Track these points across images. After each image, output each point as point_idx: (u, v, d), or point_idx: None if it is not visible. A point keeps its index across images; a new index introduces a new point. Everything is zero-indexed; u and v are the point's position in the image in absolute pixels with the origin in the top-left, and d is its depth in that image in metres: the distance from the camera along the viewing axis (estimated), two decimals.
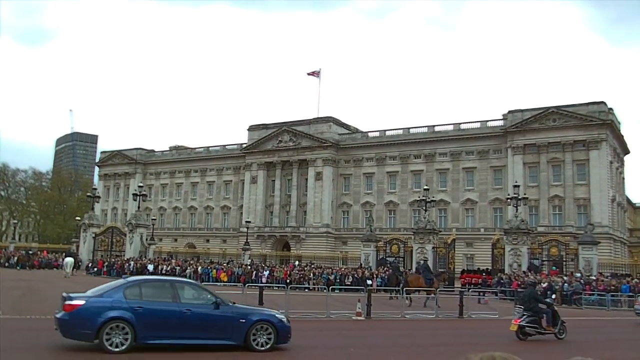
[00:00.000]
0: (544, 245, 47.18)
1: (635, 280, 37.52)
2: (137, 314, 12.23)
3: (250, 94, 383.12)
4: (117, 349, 11.87)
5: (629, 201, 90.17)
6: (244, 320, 13.21)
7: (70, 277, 45.28)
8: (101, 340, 11.88)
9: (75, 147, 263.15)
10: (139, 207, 58.21)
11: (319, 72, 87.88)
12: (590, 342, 18.64)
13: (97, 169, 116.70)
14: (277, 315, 13.91)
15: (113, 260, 53.44)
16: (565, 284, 36.76)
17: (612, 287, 35.20)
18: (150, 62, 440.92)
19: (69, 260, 48.32)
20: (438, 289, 29.87)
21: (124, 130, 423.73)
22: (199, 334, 12.92)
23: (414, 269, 46.06)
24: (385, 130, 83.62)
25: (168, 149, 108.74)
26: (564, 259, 46.25)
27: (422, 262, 43.83)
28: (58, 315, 12.23)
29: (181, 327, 12.69)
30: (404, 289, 27.33)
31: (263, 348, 13.09)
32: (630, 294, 33.88)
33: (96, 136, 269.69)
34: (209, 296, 13.66)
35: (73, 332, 12.22)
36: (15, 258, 61.27)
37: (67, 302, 12.19)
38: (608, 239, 62.82)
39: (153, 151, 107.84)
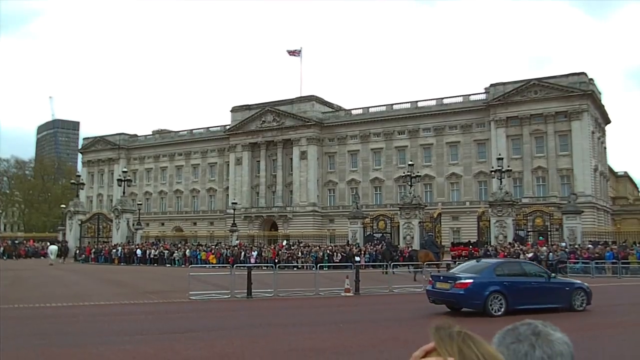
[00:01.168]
0: (529, 216, 47.70)
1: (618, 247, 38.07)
2: (506, 287, 16.03)
3: (232, 75, 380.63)
4: (497, 314, 15.47)
5: (611, 170, 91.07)
6: (568, 288, 17.32)
7: (60, 265, 45.22)
8: (486, 308, 15.59)
9: (57, 134, 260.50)
10: (124, 193, 57.95)
11: (299, 51, 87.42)
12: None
13: (80, 155, 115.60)
14: (585, 284, 17.80)
15: (100, 246, 53.33)
16: (551, 254, 37.26)
17: (597, 255, 35.75)
18: (130, 46, 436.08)
19: (53, 248, 48.83)
20: (425, 263, 30.20)
21: (106, 116, 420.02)
22: (542, 300, 16.56)
23: (402, 244, 46.53)
24: (368, 108, 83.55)
25: (151, 133, 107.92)
26: (549, 229, 46.80)
27: (427, 237, 44.22)
28: (451, 291, 16.08)
29: (532, 296, 16.52)
30: (411, 264, 27.94)
31: (580, 308, 16.77)
32: (614, 261, 34.44)
33: (78, 123, 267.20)
34: (542, 271, 18.28)
35: (467, 303, 16.29)
36: (1, 248, 60.97)
37: (459, 282, 16.06)
38: (591, 208, 63.60)
39: (136, 136, 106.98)
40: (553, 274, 18.54)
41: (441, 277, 17.28)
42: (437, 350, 1.32)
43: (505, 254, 37.05)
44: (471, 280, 15.99)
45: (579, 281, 18.50)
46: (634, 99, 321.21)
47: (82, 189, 71.05)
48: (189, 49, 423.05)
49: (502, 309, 15.66)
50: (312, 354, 10.47)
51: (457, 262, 34.50)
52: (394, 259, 36.32)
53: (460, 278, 16.23)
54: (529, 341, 1.47)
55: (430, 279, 17.88)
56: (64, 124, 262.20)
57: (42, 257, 56.16)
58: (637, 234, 53.08)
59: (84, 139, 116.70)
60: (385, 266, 33.34)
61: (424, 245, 38.79)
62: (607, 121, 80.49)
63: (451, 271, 18.02)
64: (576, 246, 39.86)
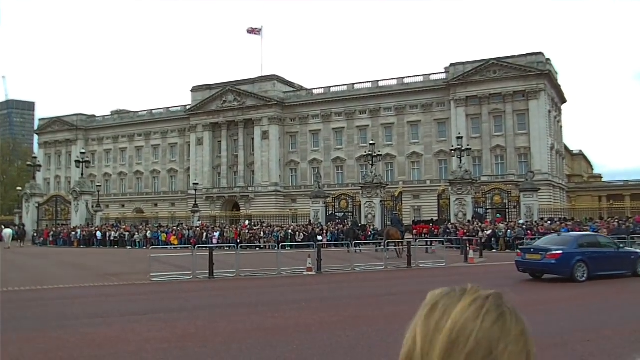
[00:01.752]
0: (488, 194, 48.56)
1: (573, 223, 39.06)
2: (587, 256, 18.84)
3: (192, 54, 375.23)
4: (581, 280, 18.39)
5: (566, 149, 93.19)
6: (633, 257, 20.41)
7: (17, 249, 44.37)
8: (572, 275, 18.46)
9: (11, 115, 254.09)
10: (82, 174, 56.95)
11: (260, 29, 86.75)
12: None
13: (36, 137, 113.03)
14: None
15: (59, 229, 52.45)
16: (509, 230, 38.06)
17: (553, 231, 36.62)
18: (88, 24, 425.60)
19: (8, 231, 47.96)
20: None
21: (63, 96, 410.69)
22: (614, 268, 19.61)
23: (363, 222, 46.85)
24: (329, 87, 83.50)
25: (110, 113, 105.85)
26: (507, 207, 47.78)
27: (392, 215, 44.58)
28: (543, 261, 18.85)
29: (607, 263, 19.40)
30: (386, 241, 28.37)
31: None
32: None
33: (33, 103, 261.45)
34: (612, 243, 21.01)
35: (557, 271, 18.96)
36: None
37: (550, 253, 18.75)
38: (548, 186, 65.08)
39: (94, 116, 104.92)
40: (621, 245, 22.05)
41: (532, 250, 19.93)
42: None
43: (465, 231, 37.73)
44: (561, 252, 18.75)
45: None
46: (589, 78, 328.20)
47: (39, 171, 69.63)
48: (148, 27, 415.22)
49: (585, 276, 18.61)
50: (274, 333, 10.55)
51: (417, 240, 35.04)
52: (358, 237, 36.62)
53: (551, 250, 18.97)
54: None
55: (519, 251, 21.42)
56: (19, 105, 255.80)
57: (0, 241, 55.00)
58: (591, 210, 54.60)
59: (40, 119, 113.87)
60: (349, 245, 33.70)
61: (392, 223, 39.14)
62: (564, 100, 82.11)
63: (536, 244, 21.01)
64: (533, 223, 40.78)
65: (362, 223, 46.62)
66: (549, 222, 40.18)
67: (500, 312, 1.14)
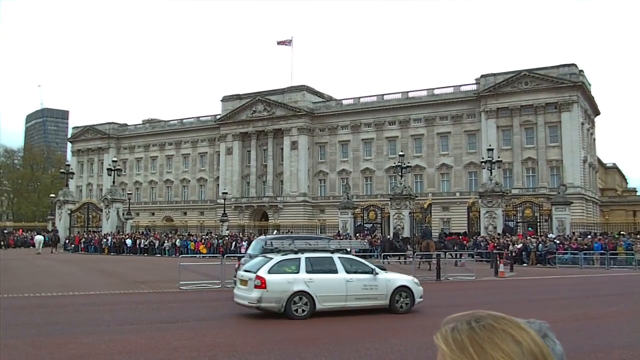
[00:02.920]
0: (519, 207, 47.92)
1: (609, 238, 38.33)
2: None
3: (223, 64, 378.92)
4: None
5: (599, 162, 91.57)
6: None
7: (49, 254, 45.05)
8: None
9: (45, 123, 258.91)
10: (114, 182, 57.71)
11: (290, 40, 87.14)
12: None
13: (69, 145, 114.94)
14: None
15: (90, 236, 53.14)
16: (540, 244, 37.49)
17: (585, 246, 36.01)
18: (121, 35, 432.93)
19: (39, 238, 49.00)
20: (415, 254, 30.46)
21: (96, 105, 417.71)
22: None
23: (391, 234, 46.56)
24: (359, 98, 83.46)
25: (141, 122, 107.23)
26: (538, 220, 47.08)
27: (424, 227, 44.24)
28: None
29: None
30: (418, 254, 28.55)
31: None
32: (602, 251, 34.69)
33: (67, 112, 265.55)
34: None
35: None
36: None
37: None
38: (580, 199, 63.97)
39: (126, 125, 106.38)
40: None
41: None
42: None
43: (495, 244, 37.28)
44: None
45: None
46: (624, 90, 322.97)
47: (72, 178, 70.71)
48: (180, 38, 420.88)
49: None
50: (303, 344, 10.51)
51: (446, 253, 34.70)
52: (395, 249, 36.35)
53: None
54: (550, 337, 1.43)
55: None
56: (53, 113, 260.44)
57: (31, 247, 55.82)
58: (625, 225, 53.53)
59: (73, 128, 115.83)
60: (383, 256, 33.63)
61: (423, 236, 38.75)
62: (597, 112, 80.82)
63: None
64: (565, 237, 40.11)
65: (405, 235, 45.98)
66: (583, 237, 39.50)
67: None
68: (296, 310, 13.68)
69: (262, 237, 27.47)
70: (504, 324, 1.20)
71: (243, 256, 22.31)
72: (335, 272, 14.49)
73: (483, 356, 1.14)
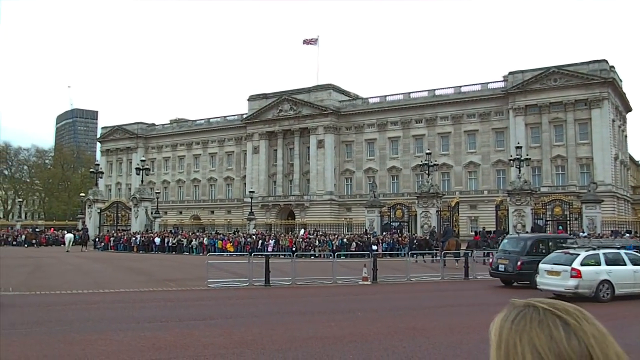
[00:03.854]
0: (548, 205, 47.30)
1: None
2: None
3: (249, 64, 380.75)
4: None
5: (631, 159, 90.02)
6: None
7: (80, 252, 45.73)
8: None
9: (75, 123, 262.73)
10: (142, 181, 58.30)
11: (316, 39, 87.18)
12: None
13: (98, 144, 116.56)
14: None
15: (119, 234, 53.79)
16: None
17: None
18: (149, 35, 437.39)
19: (69, 236, 50.11)
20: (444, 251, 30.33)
21: (124, 105, 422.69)
22: None
23: (419, 233, 46.36)
24: (385, 96, 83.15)
25: (169, 122, 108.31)
26: (568, 218, 46.41)
27: (446, 226, 43.94)
28: None
29: None
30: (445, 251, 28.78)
31: None
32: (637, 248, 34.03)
33: (96, 112, 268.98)
34: None
35: None
36: (23, 236, 61.77)
37: None
38: (611, 197, 62.94)
39: (154, 125, 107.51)
40: None
41: None
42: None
43: None
44: None
45: None
46: None
47: (101, 177, 71.67)
48: (206, 37, 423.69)
49: None
50: (330, 342, 10.50)
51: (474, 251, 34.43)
52: (430, 247, 36.16)
53: None
54: None
55: None
56: (83, 113, 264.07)
57: (62, 245, 56.81)
58: None
59: (102, 128, 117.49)
60: (422, 254, 33.63)
61: (445, 234, 38.47)
62: (628, 109, 79.43)
63: None
64: (596, 235, 39.47)
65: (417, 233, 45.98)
66: (614, 235, 38.82)
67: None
68: (602, 295, 16.99)
69: (515, 235, 31.88)
70: (566, 315, 1.22)
71: (269, 254, 22.47)
72: (625, 264, 17.76)
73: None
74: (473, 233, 54.65)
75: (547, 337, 1.16)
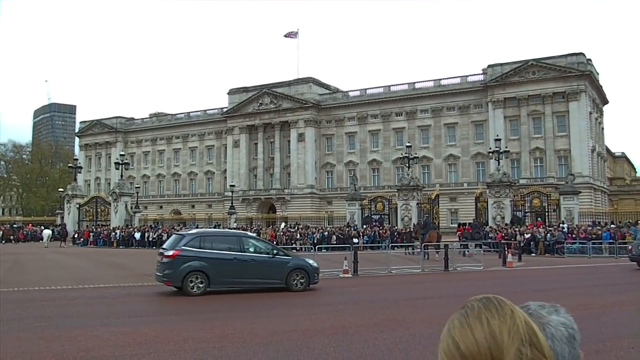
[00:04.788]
0: (526, 197, 47.80)
1: (615, 227, 38.16)
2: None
3: (229, 57, 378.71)
4: None
5: (608, 151, 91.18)
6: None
7: (59, 248, 45.31)
8: None
9: (53, 118, 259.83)
10: (121, 176, 57.91)
11: (296, 33, 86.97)
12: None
13: (77, 139, 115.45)
14: None
15: (99, 229, 53.38)
16: (548, 234, 37.37)
17: (594, 236, 35.88)
18: (127, 29, 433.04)
19: (47, 232, 49.65)
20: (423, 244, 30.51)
21: (103, 99, 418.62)
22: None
23: (399, 225, 46.57)
24: (366, 89, 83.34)
25: (148, 116, 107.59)
26: (546, 210, 46.95)
27: (425, 218, 43.94)
28: None
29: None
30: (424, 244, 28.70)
31: None
32: (611, 241, 34.54)
33: (74, 106, 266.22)
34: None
35: None
36: (0, 232, 61.03)
37: None
38: (589, 189, 63.77)
39: (133, 119, 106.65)
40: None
41: None
42: None
43: (503, 234, 37.17)
44: None
45: None
46: (632, 79, 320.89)
47: (80, 172, 71.08)
48: (185, 31, 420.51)
49: None
50: (311, 334, 10.54)
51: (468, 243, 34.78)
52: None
53: None
54: None
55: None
56: (61, 108, 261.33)
57: (40, 241, 56.24)
58: (634, 214, 53.25)
59: (80, 122, 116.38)
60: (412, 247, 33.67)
61: (424, 227, 38.56)
62: (605, 102, 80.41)
63: None
64: (574, 226, 39.99)
65: (399, 226, 46.18)
66: (594, 226, 39.37)
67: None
68: None
69: None
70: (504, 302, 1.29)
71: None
72: None
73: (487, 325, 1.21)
74: (456, 225, 55.07)
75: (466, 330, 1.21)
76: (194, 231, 18.65)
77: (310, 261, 18.21)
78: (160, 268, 16.43)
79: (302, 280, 17.23)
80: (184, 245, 16.28)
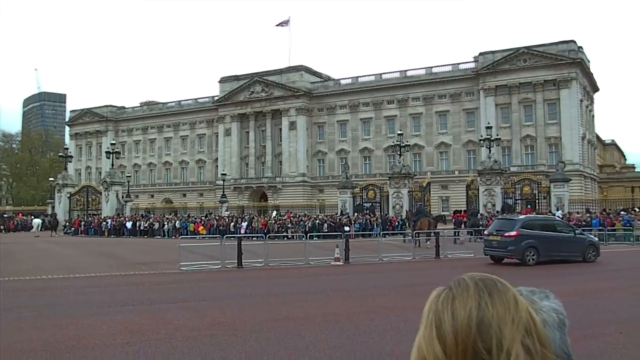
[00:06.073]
0: (517, 184, 47.99)
1: (604, 213, 38.44)
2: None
3: (221, 46, 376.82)
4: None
5: (598, 138, 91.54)
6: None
7: (50, 237, 45.18)
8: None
9: (43, 107, 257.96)
10: (112, 165, 57.69)
11: (287, 21, 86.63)
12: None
13: (67, 128, 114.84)
14: None
15: (90, 219, 53.23)
16: None
17: (583, 223, 36.09)
18: (117, 17, 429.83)
19: (37, 221, 49.66)
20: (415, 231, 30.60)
21: (93, 87, 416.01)
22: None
23: (391, 213, 46.63)
24: (357, 77, 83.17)
25: (139, 104, 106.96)
26: (537, 197, 47.17)
27: (418, 206, 43.95)
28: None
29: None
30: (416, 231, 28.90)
31: None
32: (600, 227, 34.80)
33: (64, 95, 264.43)
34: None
35: None
36: None
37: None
38: (579, 176, 64.08)
39: (124, 108, 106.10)
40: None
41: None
42: None
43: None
44: None
45: None
46: (623, 66, 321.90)
47: (70, 161, 70.68)
48: (177, 20, 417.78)
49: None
50: (303, 322, 10.59)
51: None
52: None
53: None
54: None
55: None
56: (51, 97, 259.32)
57: (31, 230, 56.06)
58: (623, 201, 53.65)
59: (71, 111, 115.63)
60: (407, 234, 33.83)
61: (418, 214, 38.58)
62: (596, 89, 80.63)
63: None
64: (564, 213, 40.19)
65: (389, 213, 46.27)
66: (586, 213, 39.63)
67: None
68: None
69: None
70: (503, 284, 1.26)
71: (242, 236, 22.58)
72: None
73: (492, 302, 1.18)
74: (452, 212, 55.08)
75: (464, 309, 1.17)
76: (522, 217, 23.61)
77: (595, 239, 23.87)
78: (499, 244, 20.92)
79: (594, 253, 21.66)
80: (520, 227, 20.55)
